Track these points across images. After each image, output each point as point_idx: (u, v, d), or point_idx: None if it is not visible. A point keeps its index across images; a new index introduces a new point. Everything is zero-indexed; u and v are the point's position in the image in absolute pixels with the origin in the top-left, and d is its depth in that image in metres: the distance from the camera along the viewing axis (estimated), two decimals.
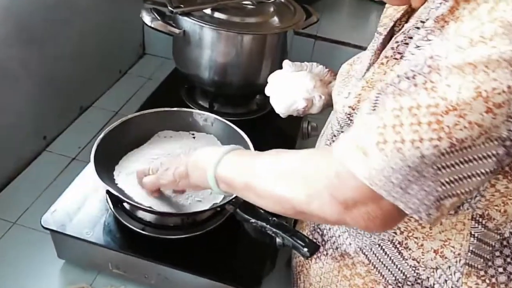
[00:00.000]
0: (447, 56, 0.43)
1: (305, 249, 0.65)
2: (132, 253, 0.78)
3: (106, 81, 1.39)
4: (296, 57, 1.14)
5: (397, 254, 0.60)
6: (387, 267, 0.61)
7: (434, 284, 0.60)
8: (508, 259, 0.58)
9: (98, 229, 0.81)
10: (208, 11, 1.07)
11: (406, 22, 0.65)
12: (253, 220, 0.72)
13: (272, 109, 0.91)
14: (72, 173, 0.95)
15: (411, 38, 0.53)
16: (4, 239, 0.90)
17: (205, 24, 1.03)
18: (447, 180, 0.45)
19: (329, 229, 0.68)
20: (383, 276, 0.62)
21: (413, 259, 0.59)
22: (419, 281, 0.60)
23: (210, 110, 1.17)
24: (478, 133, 0.42)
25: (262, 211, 0.73)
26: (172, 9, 1.03)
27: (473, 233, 0.56)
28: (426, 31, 0.47)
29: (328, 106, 0.85)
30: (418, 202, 0.45)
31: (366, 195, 0.47)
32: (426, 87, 0.44)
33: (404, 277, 0.61)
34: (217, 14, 1.07)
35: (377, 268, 0.62)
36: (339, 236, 0.66)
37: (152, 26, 1.04)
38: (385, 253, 0.61)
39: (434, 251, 0.58)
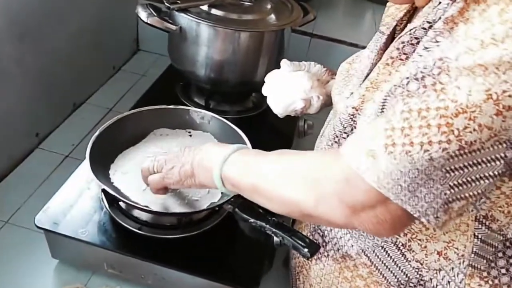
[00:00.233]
0: (457, 57, 0.43)
1: (306, 250, 0.64)
2: (128, 253, 0.77)
3: (99, 77, 1.37)
4: (292, 54, 1.13)
5: (400, 256, 0.60)
6: (389, 268, 0.61)
7: (437, 285, 0.59)
8: (511, 260, 0.58)
9: (93, 229, 0.79)
10: (205, 7, 1.06)
11: (408, 21, 0.64)
12: (252, 220, 0.71)
13: (268, 107, 0.91)
14: (65, 171, 0.93)
15: (417, 38, 0.52)
16: None
17: (202, 20, 1.02)
18: (456, 183, 0.44)
19: (330, 230, 0.68)
20: (385, 277, 0.61)
21: (416, 261, 0.59)
22: (421, 282, 0.60)
23: (206, 107, 1.16)
24: (487, 136, 0.42)
25: (261, 211, 0.72)
26: (168, 5, 1.01)
27: (476, 234, 0.56)
28: (435, 33, 0.47)
29: (326, 106, 0.85)
30: (426, 205, 0.45)
31: (374, 199, 0.46)
32: (435, 88, 0.43)
33: (406, 278, 0.60)
34: (214, 11, 1.06)
35: (379, 269, 0.62)
36: (341, 237, 0.65)
37: (148, 22, 1.02)
38: (388, 255, 0.60)
39: (438, 253, 0.58)
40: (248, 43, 1.08)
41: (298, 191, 0.53)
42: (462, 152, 0.42)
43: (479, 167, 0.44)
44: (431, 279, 0.59)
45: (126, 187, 0.80)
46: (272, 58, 1.13)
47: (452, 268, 0.58)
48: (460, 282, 0.58)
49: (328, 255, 0.67)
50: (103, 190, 0.79)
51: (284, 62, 0.87)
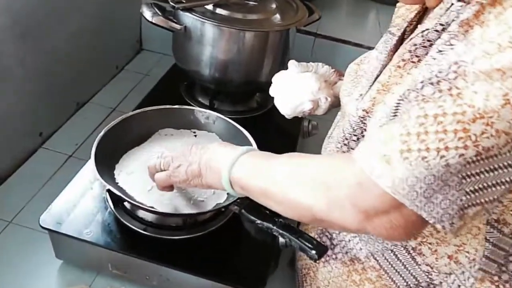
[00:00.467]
0: (473, 61, 0.42)
1: (313, 252, 0.63)
2: (133, 253, 0.77)
3: (102, 77, 1.37)
4: (296, 54, 1.13)
5: (410, 259, 0.59)
6: (399, 272, 0.60)
7: None
8: None
9: (98, 229, 0.79)
10: (209, 7, 1.05)
11: (418, 22, 0.64)
12: (259, 222, 0.70)
13: (273, 107, 0.90)
14: (69, 171, 0.93)
15: (430, 41, 0.52)
16: (0, 239, 0.87)
17: (207, 20, 1.01)
18: (472, 189, 0.44)
19: (339, 233, 0.67)
20: (394, 281, 0.61)
21: (427, 265, 0.58)
22: (431, 286, 0.59)
23: (210, 107, 1.15)
24: (504, 141, 0.42)
25: (268, 212, 0.72)
26: (173, 5, 1.01)
27: (488, 238, 0.55)
28: (449, 35, 0.46)
29: (333, 107, 0.84)
30: (442, 211, 0.44)
31: (388, 204, 0.46)
32: (451, 93, 0.43)
33: (416, 282, 0.60)
34: (219, 10, 1.05)
35: (388, 273, 0.61)
36: (349, 240, 0.65)
37: (153, 21, 1.02)
38: (398, 259, 0.60)
39: (448, 257, 0.57)
40: (253, 43, 1.07)
41: (309, 195, 0.52)
42: (479, 158, 0.42)
43: (496, 173, 0.43)
44: (441, 282, 0.59)
45: (131, 187, 0.80)
46: (277, 58, 1.12)
47: (463, 272, 0.57)
48: (471, 286, 0.57)
49: (336, 257, 0.67)
50: (108, 191, 0.78)
51: (291, 63, 0.86)
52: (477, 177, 0.43)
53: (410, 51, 0.55)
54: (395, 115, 0.50)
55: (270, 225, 0.69)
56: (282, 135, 1.14)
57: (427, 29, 0.53)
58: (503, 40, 0.41)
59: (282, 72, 0.88)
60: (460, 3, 0.47)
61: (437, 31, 0.51)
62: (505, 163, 0.43)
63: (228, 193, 0.81)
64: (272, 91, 0.87)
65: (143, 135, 0.91)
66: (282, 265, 0.89)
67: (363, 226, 0.49)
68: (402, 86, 0.51)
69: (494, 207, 0.53)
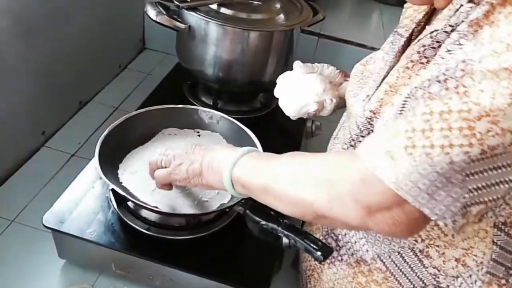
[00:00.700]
0: (480, 60, 0.42)
1: (319, 253, 0.63)
2: (136, 253, 0.76)
3: (105, 75, 1.37)
4: (299, 55, 1.12)
5: (417, 262, 0.59)
6: (405, 274, 0.60)
7: None
8: None
9: (101, 229, 0.78)
10: (214, 6, 1.05)
11: (426, 23, 0.63)
12: (263, 222, 0.70)
13: (276, 107, 0.90)
14: (72, 170, 0.93)
15: (439, 42, 0.51)
16: (2, 238, 0.87)
17: (211, 19, 1.01)
18: (475, 187, 0.44)
19: (345, 234, 0.67)
20: (401, 284, 0.60)
21: (434, 267, 0.58)
22: None
23: (214, 107, 1.15)
24: (509, 140, 0.41)
25: (272, 213, 0.71)
26: (178, 4, 1.00)
27: (495, 241, 0.55)
28: (459, 35, 0.46)
29: (338, 108, 0.84)
30: (444, 208, 0.44)
31: (391, 200, 0.46)
32: (458, 91, 0.42)
33: (423, 285, 0.59)
34: (223, 10, 1.05)
35: (394, 275, 0.61)
36: (356, 242, 0.64)
37: (157, 20, 1.01)
38: (405, 261, 0.59)
39: (456, 260, 0.57)
40: (257, 43, 1.07)
41: (311, 192, 0.52)
42: (483, 156, 0.42)
43: (499, 171, 0.43)
44: (448, 286, 0.58)
45: (135, 187, 0.80)
46: (280, 58, 1.12)
47: (470, 275, 0.57)
48: None
49: (342, 259, 0.66)
50: (112, 190, 0.78)
51: (297, 64, 0.86)
52: (481, 175, 0.43)
53: (418, 52, 0.54)
54: (401, 113, 0.49)
55: (275, 226, 0.69)
56: (285, 135, 1.14)
57: (436, 30, 0.52)
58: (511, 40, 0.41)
59: (287, 73, 0.87)
60: (470, 4, 0.47)
61: (446, 32, 0.50)
62: (509, 162, 0.43)
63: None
64: (277, 92, 0.87)
65: (146, 135, 0.91)
66: (285, 266, 0.89)
67: (364, 222, 0.48)
68: (410, 86, 0.51)
69: (499, 208, 0.53)
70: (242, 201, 0.73)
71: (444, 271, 0.58)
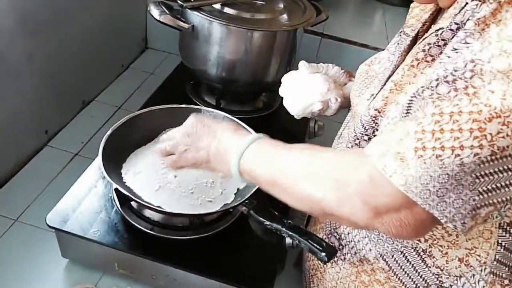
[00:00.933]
0: (490, 60, 0.42)
1: (323, 254, 0.63)
2: (139, 253, 0.76)
3: (108, 75, 1.37)
4: (302, 54, 1.12)
5: (420, 261, 0.59)
6: (408, 274, 0.60)
7: None
8: None
9: (104, 228, 0.78)
10: (217, 6, 1.05)
11: (432, 22, 0.63)
12: (267, 223, 0.70)
13: (279, 107, 0.89)
14: (75, 169, 0.93)
15: (444, 40, 0.51)
16: (6, 237, 0.87)
17: (215, 19, 1.01)
18: (485, 189, 0.43)
19: (348, 233, 0.67)
20: (404, 283, 0.60)
21: (437, 267, 0.58)
22: None
23: (217, 107, 1.15)
24: None
25: (276, 213, 0.71)
26: (181, 3, 1.00)
27: (500, 241, 0.55)
28: (465, 34, 0.46)
29: (343, 108, 0.84)
30: (454, 210, 0.44)
31: (399, 202, 0.46)
32: (467, 92, 0.42)
33: (426, 284, 0.59)
34: (226, 10, 1.05)
35: (397, 275, 0.61)
36: (359, 241, 0.65)
37: (161, 20, 1.01)
38: (408, 261, 0.59)
39: (459, 260, 0.57)
40: (260, 43, 1.07)
41: (320, 189, 0.51)
42: (494, 157, 0.42)
43: (510, 173, 0.43)
44: (451, 285, 0.58)
45: (138, 187, 0.79)
46: (284, 58, 1.12)
47: (473, 275, 0.57)
48: None
49: (344, 258, 0.66)
50: (116, 190, 0.78)
51: (302, 64, 0.86)
52: (491, 177, 0.43)
53: (424, 50, 0.54)
54: (408, 113, 0.49)
55: (279, 227, 0.69)
56: (288, 135, 1.13)
57: (442, 28, 0.52)
58: None
59: (292, 72, 0.87)
60: (475, 2, 0.47)
61: (452, 30, 0.50)
62: None
63: (235, 194, 0.82)
64: (282, 91, 0.86)
65: (149, 135, 0.91)
66: (288, 265, 0.89)
67: (371, 222, 0.48)
68: (416, 85, 0.51)
69: (507, 210, 0.53)
70: (246, 201, 0.73)
71: (447, 271, 0.58)
